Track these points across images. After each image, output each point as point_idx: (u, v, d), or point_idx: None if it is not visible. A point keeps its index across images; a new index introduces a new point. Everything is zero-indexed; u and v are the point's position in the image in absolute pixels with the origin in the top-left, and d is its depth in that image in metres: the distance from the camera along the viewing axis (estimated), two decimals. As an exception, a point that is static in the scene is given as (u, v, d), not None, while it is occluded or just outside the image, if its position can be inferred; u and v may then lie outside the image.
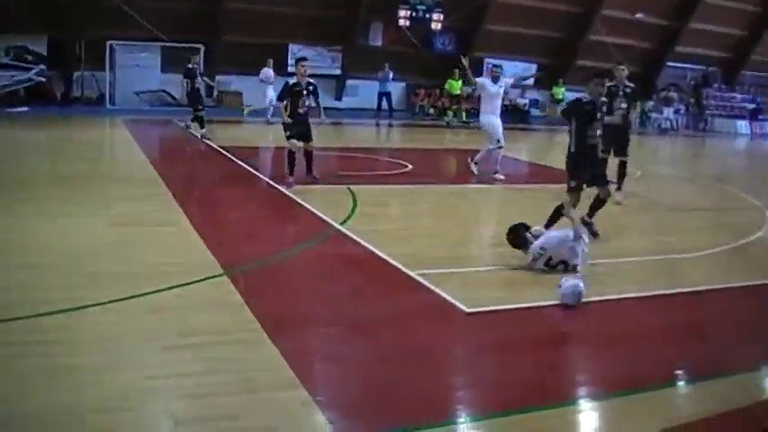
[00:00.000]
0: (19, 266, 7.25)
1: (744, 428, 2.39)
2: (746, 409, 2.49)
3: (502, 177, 14.51)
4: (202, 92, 19.82)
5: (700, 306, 7.42)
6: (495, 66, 16.11)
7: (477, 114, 30.16)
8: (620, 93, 12.37)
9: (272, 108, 23.46)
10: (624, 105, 12.17)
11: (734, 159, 27.09)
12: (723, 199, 14.79)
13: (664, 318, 6.96)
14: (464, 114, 31.13)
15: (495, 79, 14.88)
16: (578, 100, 9.28)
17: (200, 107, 19.25)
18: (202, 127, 19.03)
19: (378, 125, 27.68)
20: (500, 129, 14.85)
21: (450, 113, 31.02)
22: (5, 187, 11.35)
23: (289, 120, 12.77)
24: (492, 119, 14.88)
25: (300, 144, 12.92)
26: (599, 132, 9.16)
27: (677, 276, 8.23)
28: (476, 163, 14.87)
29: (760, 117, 37.26)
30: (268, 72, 25.13)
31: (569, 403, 4.85)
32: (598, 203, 9.64)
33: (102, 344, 5.43)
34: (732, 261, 9.14)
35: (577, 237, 8.07)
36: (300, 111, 12.84)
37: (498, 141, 14.80)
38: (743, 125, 36.54)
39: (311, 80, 13.19)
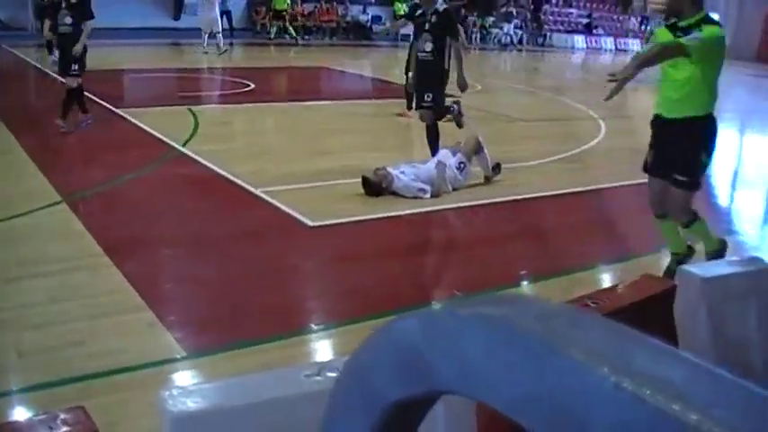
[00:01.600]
0: None
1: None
2: (578, 299, 2.62)
3: None
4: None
5: (540, 211, 7.72)
6: None
7: (310, 32, 29.87)
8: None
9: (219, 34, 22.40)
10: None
11: (571, 73, 27.96)
12: (561, 110, 15.27)
13: (507, 223, 7.24)
14: (293, 31, 29.76)
15: None
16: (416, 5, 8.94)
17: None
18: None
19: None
20: None
21: (274, 30, 29.30)
22: None
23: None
24: None
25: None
26: (427, 47, 8.30)
27: (517, 184, 8.49)
28: None
29: (594, 32, 38.51)
30: None
31: (419, 307, 4.96)
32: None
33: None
34: (569, 168, 9.51)
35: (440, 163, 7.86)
36: (60, 30, 9.92)
37: None
38: (580, 39, 37.67)
39: None
